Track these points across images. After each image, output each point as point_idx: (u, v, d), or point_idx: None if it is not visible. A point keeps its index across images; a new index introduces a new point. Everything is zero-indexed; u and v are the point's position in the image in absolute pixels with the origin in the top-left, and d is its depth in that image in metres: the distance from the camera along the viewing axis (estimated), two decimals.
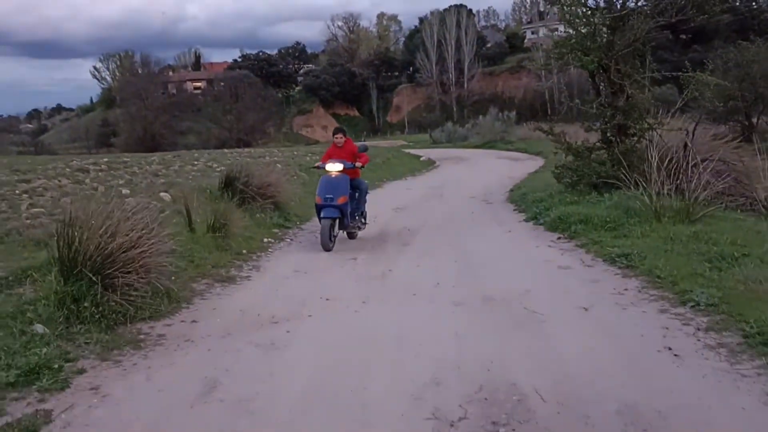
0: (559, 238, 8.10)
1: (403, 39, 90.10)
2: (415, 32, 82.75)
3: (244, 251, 7.76)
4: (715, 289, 4.93)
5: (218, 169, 13.30)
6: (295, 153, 23.96)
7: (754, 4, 71.50)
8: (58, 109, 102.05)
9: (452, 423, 3.27)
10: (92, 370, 3.98)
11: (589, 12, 10.02)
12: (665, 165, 8.06)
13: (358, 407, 3.50)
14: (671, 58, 59.91)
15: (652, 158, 8.34)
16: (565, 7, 10.13)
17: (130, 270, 4.89)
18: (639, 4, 10.04)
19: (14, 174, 11.41)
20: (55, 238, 4.89)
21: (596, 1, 10.15)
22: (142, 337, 4.62)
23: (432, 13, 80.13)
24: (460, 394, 3.59)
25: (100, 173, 12.35)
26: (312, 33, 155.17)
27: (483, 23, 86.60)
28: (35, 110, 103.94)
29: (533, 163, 22.86)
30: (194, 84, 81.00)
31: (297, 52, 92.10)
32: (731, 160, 10.98)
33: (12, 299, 4.70)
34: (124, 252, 4.90)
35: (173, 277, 5.60)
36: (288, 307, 5.53)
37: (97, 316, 4.57)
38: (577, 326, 4.70)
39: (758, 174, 10.58)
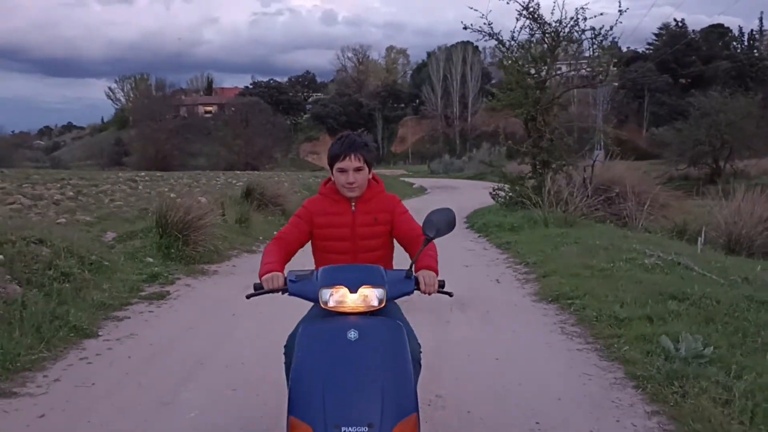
0: (479, 236, 11.57)
1: (410, 72, 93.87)
2: (423, 66, 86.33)
3: (261, 237, 11.11)
4: (542, 256, 8.30)
5: (237, 184, 16.71)
6: (300, 176, 27.41)
7: (755, 52, 75.35)
8: (69, 126, 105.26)
9: None
10: (183, 279, 7.36)
11: (522, 77, 13.51)
12: (555, 191, 11.53)
13: None
14: (669, 101, 63.99)
15: (547, 187, 11.81)
16: (506, 74, 13.68)
17: (197, 234, 8.27)
18: (557, 73, 13.52)
19: (82, 180, 14.91)
20: (154, 214, 8.28)
21: (528, 69, 13.63)
22: (205, 270, 8.00)
23: (440, 48, 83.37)
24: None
25: (146, 182, 15.83)
26: (322, 61, 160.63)
27: (489, 60, 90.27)
28: (46, 127, 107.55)
29: None
30: (206, 108, 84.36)
31: (307, 80, 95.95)
32: (648, 192, 14.36)
33: (130, 247, 8.07)
34: (194, 223, 8.27)
35: (219, 244, 9.01)
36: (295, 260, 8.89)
37: (179, 257, 7.94)
38: (459, 273, 8.01)
39: (672, 206, 14.08)
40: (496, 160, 44.15)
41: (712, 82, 56.14)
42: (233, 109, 76.77)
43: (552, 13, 13.02)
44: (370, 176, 2.78)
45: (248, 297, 2.58)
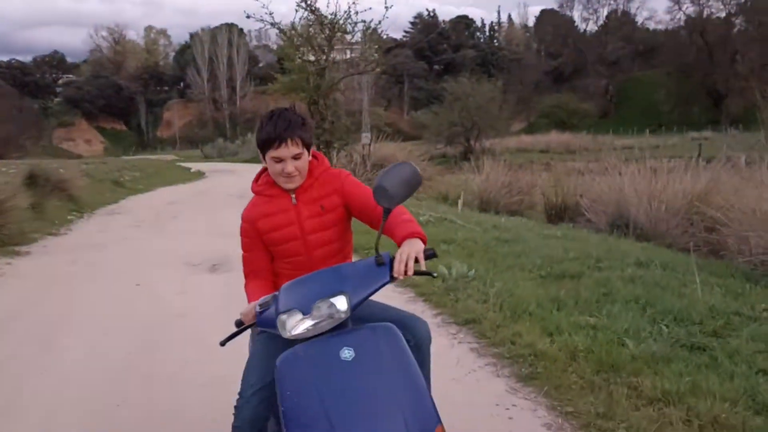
0: None
1: (173, 54, 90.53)
2: (186, 47, 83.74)
3: (56, 222, 11.06)
4: None
5: (10, 172, 15.73)
6: (68, 163, 25.96)
7: (495, 42, 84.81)
8: None
9: (195, 264, 7.37)
10: None
11: (303, 63, 14.81)
12: (339, 167, 13.08)
13: (158, 259, 7.45)
14: (426, 87, 69.91)
15: (333, 164, 13.29)
16: (285, 61, 14.88)
17: (2, 217, 8.27)
18: (336, 59, 15.06)
19: None
20: None
21: (308, 57, 14.97)
22: (18, 251, 8.08)
23: (203, 29, 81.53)
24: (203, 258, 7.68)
25: None
26: (73, 40, 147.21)
27: (255, 43, 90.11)
28: None
29: None
30: None
31: (55, 61, 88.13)
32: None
33: None
34: None
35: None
36: (101, 240, 9.21)
37: None
38: None
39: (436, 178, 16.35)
40: None
41: (461, 68, 62.49)
42: None
43: (327, 6, 14.54)
44: (310, 158, 2.27)
45: (222, 344, 2.14)
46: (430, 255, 1.92)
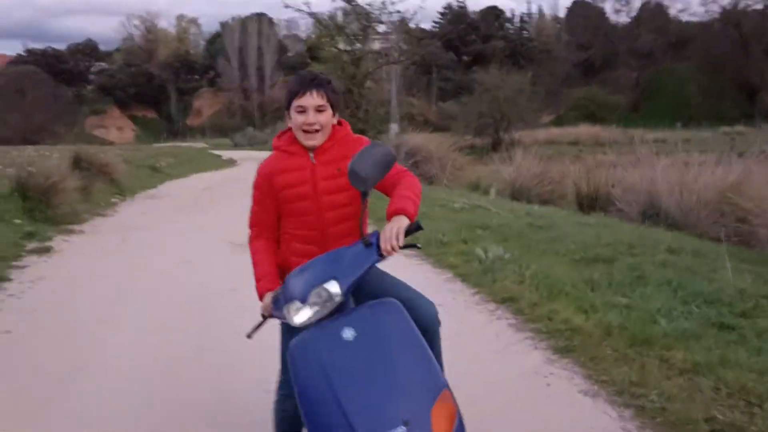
0: None
1: (203, 43, 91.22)
2: (217, 36, 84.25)
3: (102, 204, 11.53)
4: (370, 207, 9.96)
5: (54, 156, 16.29)
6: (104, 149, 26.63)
7: (525, 33, 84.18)
8: None
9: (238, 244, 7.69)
10: (58, 236, 7.90)
11: (338, 53, 15.11)
12: None
13: (202, 239, 7.81)
14: (454, 77, 69.72)
15: None
16: (323, 49, 15.19)
17: (57, 197, 8.72)
18: (370, 48, 15.33)
19: None
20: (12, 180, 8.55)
21: (344, 45, 15.27)
22: (72, 229, 8.52)
23: (234, 18, 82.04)
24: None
25: None
26: (105, 29, 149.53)
27: (285, 32, 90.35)
28: None
29: None
30: None
31: (89, 49, 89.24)
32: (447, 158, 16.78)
33: None
34: (54, 187, 8.72)
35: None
36: (147, 222, 9.63)
37: (44, 219, 8.38)
38: None
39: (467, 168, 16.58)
40: None
41: (490, 59, 62.12)
42: (5, 78, 69.68)
43: None
44: (335, 121, 2.35)
45: (249, 336, 2.27)
46: (414, 229, 2.00)
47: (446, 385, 1.87)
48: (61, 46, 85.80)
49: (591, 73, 71.11)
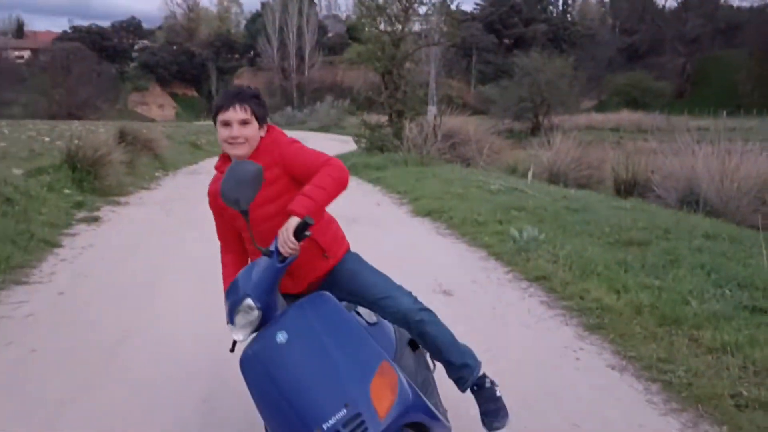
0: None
1: (244, 22, 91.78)
2: (257, 16, 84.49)
3: (146, 177, 11.89)
4: (409, 186, 10.11)
5: (100, 131, 16.76)
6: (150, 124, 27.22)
7: (568, 16, 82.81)
8: None
9: None
10: (105, 207, 8.20)
11: (379, 33, 15.16)
12: (412, 138, 13.45)
13: None
14: (494, 61, 69.02)
15: (406, 134, 13.70)
16: (363, 29, 15.27)
17: (104, 169, 9.04)
18: (411, 30, 15.34)
19: None
20: (62, 152, 8.89)
21: (384, 26, 15.33)
22: (117, 201, 8.84)
23: None
24: None
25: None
26: (148, 7, 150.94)
27: (325, 13, 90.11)
28: None
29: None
30: (17, 53, 77.08)
31: (132, 26, 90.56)
32: (485, 141, 16.78)
33: (43, 181, 8.67)
34: (101, 159, 9.03)
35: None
36: (189, 195, 9.92)
37: (92, 190, 8.71)
38: (341, 201, 9.57)
39: (505, 151, 16.53)
40: (340, 112, 46.11)
41: (532, 43, 61.13)
42: (52, 55, 71.13)
43: None
44: (263, 134, 2.32)
45: (231, 350, 2.23)
46: (302, 226, 2.01)
47: (383, 357, 1.96)
48: (106, 24, 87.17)
49: (635, 58, 69.57)
